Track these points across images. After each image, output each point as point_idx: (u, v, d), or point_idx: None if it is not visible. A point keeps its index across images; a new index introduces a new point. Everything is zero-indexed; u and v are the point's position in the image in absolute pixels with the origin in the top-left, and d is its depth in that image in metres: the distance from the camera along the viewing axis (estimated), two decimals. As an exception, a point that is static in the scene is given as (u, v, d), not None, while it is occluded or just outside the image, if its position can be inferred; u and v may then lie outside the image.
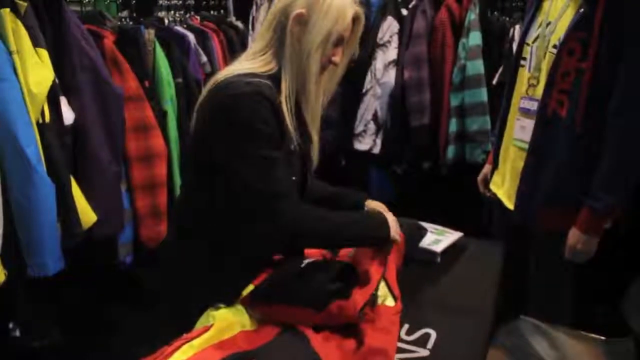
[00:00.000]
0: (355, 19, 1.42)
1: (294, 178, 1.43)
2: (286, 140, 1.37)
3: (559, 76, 1.65)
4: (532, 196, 1.74)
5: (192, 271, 1.44)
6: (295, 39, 1.36)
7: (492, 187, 2.02)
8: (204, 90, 1.39)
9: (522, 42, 1.85)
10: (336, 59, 1.42)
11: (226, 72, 1.38)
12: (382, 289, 1.39)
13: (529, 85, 1.79)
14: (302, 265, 1.41)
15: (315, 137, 1.51)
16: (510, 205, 1.85)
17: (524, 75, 1.83)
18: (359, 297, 1.29)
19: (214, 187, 1.39)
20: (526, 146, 1.77)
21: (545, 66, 1.73)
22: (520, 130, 1.82)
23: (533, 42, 1.79)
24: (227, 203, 1.38)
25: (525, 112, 1.80)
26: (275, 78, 1.36)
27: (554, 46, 1.68)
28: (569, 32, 1.62)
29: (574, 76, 1.62)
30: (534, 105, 1.76)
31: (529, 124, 1.77)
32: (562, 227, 1.70)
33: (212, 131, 1.35)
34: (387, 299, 1.37)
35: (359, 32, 1.46)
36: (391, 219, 1.52)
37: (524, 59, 1.84)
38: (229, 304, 1.36)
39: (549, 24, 1.73)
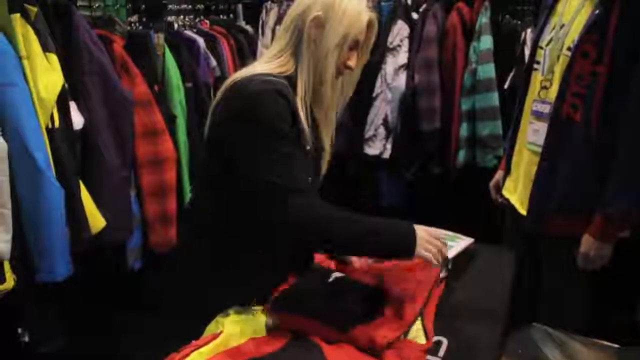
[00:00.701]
0: (369, 25, 1.43)
1: (309, 179, 1.43)
2: (302, 140, 1.37)
3: (573, 79, 1.62)
4: (545, 201, 1.72)
5: (206, 272, 1.44)
6: (312, 41, 1.38)
7: (505, 192, 2.00)
8: (219, 92, 1.40)
9: (536, 45, 1.83)
10: (351, 63, 1.43)
11: (243, 73, 1.39)
12: (416, 327, 1.32)
13: (542, 88, 1.76)
14: (330, 279, 1.40)
15: (327, 143, 1.52)
16: (523, 210, 1.82)
17: (537, 78, 1.81)
18: (389, 332, 1.25)
19: (228, 186, 1.38)
20: (539, 150, 1.74)
21: (558, 69, 1.70)
22: (533, 133, 1.80)
23: (546, 45, 1.77)
24: (242, 202, 1.37)
25: (538, 115, 1.78)
26: (291, 79, 1.38)
27: (568, 49, 1.66)
28: (583, 34, 1.60)
29: (589, 79, 1.59)
30: (546, 109, 1.74)
31: (542, 127, 1.74)
32: (575, 232, 1.67)
33: (228, 129, 1.35)
34: (418, 337, 1.30)
35: (372, 37, 1.48)
36: (424, 234, 1.36)
37: (538, 62, 1.82)
38: (243, 303, 1.36)
39: (562, 26, 1.71)
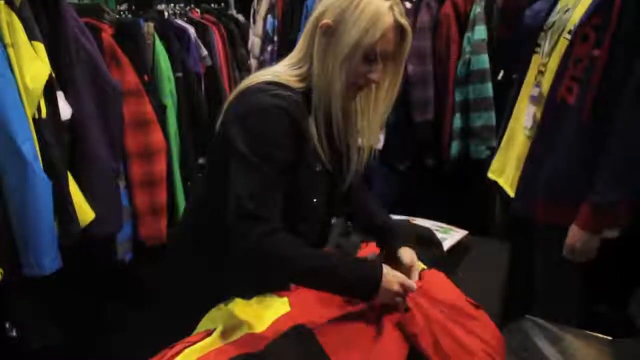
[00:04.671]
0: (401, 31, 1.28)
1: (315, 200, 1.35)
2: (310, 160, 1.30)
3: (571, 62, 1.60)
4: (534, 184, 1.69)
5: (205, 267, 1.41)
6: (322, 51, 1.27)
7: (491, 175, 1.95)
8: (235, 90, 1.33)
9: (540, 30, 1.79)
10: (374, 76, 1.29)
11: (262, 77, 1.31)
12: None
13: (538, 72, 1.74)
14: None
15: (352, 157, 1.40)
16: (512, 192, 1.79)
17: (537, 61, 1.79)
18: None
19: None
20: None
21: (556, 52, 1.68)
22: (528, 118, 1.77)
23: (549, 29, 1.75)
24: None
25: (532, 99, 1.76)
26: (308, 94, 1.30)
27: (569, 32, 1.64)
28: (585, 18, 1.58)
29: (586, 63, 1.57)
30: (538, 92, 1.71)
31: (535, 111, 1.72)
32: (563, 221, 1.64)
33: (230, 130, 1.27)
34: None
35: (405, 45, 1.31)
36: (394, 280, 1.25)
37: (539, 45, 1.79)
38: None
39: (567, 10, 1.69)
